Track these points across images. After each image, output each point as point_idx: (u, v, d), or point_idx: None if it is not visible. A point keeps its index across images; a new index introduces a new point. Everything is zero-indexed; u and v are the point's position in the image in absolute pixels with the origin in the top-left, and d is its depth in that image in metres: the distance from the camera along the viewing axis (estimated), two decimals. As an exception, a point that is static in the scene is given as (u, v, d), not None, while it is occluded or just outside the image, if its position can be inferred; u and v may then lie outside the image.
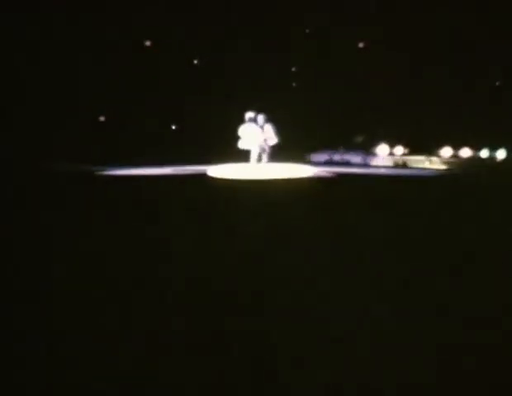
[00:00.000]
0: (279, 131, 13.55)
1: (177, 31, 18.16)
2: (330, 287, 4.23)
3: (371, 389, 2.84)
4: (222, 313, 3.74)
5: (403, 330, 3.47)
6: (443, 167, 17.98)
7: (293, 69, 20.30)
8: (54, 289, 4.24)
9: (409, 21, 18.51)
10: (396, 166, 18.76)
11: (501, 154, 18.93)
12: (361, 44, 21.25)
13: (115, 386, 2.85)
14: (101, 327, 3.53)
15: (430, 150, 19.15)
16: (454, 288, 4.24)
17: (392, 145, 20.11)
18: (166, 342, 3.32)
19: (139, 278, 4.49)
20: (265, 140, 13.42)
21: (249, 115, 13.63)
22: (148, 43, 19.47)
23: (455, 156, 19.22)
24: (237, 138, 13.54)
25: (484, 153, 19.14)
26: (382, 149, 20.04)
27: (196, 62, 19.61)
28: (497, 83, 19.55)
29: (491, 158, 18.99)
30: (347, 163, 18.51)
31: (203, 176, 12.48)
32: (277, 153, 13.62)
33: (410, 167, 18.31)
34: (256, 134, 13.43)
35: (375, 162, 19.24)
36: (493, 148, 18.94)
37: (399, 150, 20.08)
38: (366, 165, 18.60)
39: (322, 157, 19.07)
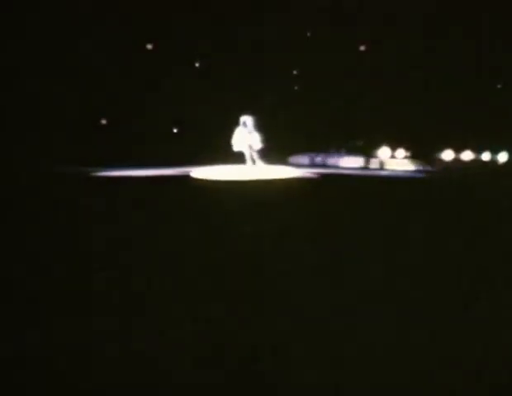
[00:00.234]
0: (266, 134, 14.28)
1: (175, 33, 18.28)
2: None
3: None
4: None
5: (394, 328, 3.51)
6: (423, 168, 18.13)
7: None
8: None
9: (410, 23, 18.59)
10: (371, 167, 19.01)
11: (503, 157, 18.93)
12: (362, 47, 21.32)
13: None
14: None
15: (432, 153, 19.18)
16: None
17: (394, 148, 20.14)
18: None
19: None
20: (251, 144, 14.32)
21: (243, 118, 14.40)
22: (149, 46, 19.55)
23: (457, 159, 19.24)
24: (231, 140, 14.25)
25: (486, 156, 19.13)
26: (384, 152, 20.06)
27: (195, 64, 19.71)
28: (498, 86, 19.59)
29: (493, 161, 18.99)
30: (324, 165, 18.91)
31: (188, 178, 12.86)
32: (265, 156, 14.24)
33: (387, 169, 18.51)
34: (245, 137, 14.24)
35: (345, 163, 19.45)
36: (495, 151, 18.94)
37: (400, 153, 20.11)
38: (336, 166, 18.95)
39: (304, 159, 19.53)
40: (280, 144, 15.66)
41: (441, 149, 19.34)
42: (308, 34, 19.48)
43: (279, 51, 18.54)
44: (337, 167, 18.58)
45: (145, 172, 14.00)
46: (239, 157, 14.27)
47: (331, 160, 19.49)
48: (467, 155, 19.25)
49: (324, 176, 14.34)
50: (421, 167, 17.96)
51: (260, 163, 14.28)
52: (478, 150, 19.14)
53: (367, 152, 19.30)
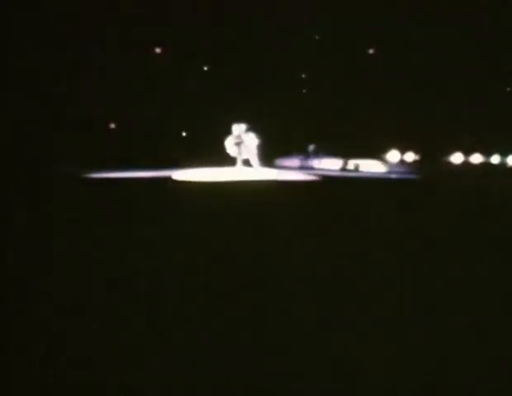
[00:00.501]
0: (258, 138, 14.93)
1: (170, 38, 18.49)
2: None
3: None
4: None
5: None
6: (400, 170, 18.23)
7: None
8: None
9: (419, 23, 18.58)
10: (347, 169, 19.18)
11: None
12: (371, 51, 21.34)
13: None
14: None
15: (442, 155, 19.17)
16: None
17: (403, 151, 20.14)
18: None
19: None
20: (245, 149, 15.01)
21: (236, 124, 15.35)
22: (158, 50, 19.72)
23: (466, 162, 19.18)
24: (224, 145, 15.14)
25: (495, 159, 19.05)
26: (393, 155, 20.07)
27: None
28: (508, 89, 19.48)
29: (503, 164, 18.89)
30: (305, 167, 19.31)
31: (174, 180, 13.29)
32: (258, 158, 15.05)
33: (361, 171, 18.65)
34: (239, 142, 15.14)
35: (323, 165, 19.68)
36: (504, 154, 18.84)
37: (410, 156, 20.12)
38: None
39: (288, 162, 19.98)
40: (267, 147, 16.20)
41: (450, 152, 19.30)
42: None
43: (272, 54, 18.80)
44: (316, 169, 19.03)
45: (145, 173, 14.32)
46: (231, 160, 15.01)
47: (311, 162, 19.98)
48: (477, 158, 19.17)
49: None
50: (396, 169, 18.19)
51: (257, 166, 15.02)
52: (487, 153, 19.06)
53: (347, 155, 19.59)
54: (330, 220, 7.38)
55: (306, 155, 20.00)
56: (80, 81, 17.49)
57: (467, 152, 19.17)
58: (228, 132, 15.54)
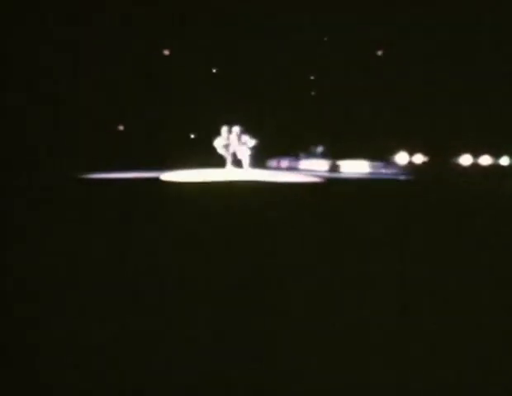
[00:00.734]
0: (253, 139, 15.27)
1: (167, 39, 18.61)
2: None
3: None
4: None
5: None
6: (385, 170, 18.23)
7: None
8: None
9: (429, 24, 18.51)
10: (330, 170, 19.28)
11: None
12: (379, 52, 21.29)
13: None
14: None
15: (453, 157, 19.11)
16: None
17: (412, 153, 20.08)
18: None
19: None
20: (240, 149, 15.34)
21: (227, 125, 15.82)
22: (167, 51, 19.81)
23: (475, 163, 19.08)
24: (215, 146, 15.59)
25: (504, 161, 18.93)
26: (401, 157, 20.03)
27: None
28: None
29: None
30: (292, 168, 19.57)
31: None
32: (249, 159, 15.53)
33: (341, 172, 18.73)
34: (233, 143, 15.21)
35: (310, 166, 19.81)
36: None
37: (419, 158, 20.06)
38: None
39: (278, 163, 20.31)
40: (259, 148, 16.44)
41: (459, 154, 19.20)
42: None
43: (268, 55, 18.89)
44: (303, 169, 19.29)
45: (136, 174, 14.53)
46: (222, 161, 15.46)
47: (299, 163, 20.18)
48: (486, 160, 19.06)
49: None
50: (381, 170, 18.22)
51: (248, 167, 15.35)
52: (497, 155, 18.94)
53: (334, 156, 19.69)
54: (322, 220, 7.43)
55: (297, 156, 20.35)
56: (74, 81, 17.61)
57: (477, 153, 19.07)
58: (219, 133, 15.81)
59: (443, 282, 4.65)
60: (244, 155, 15.87)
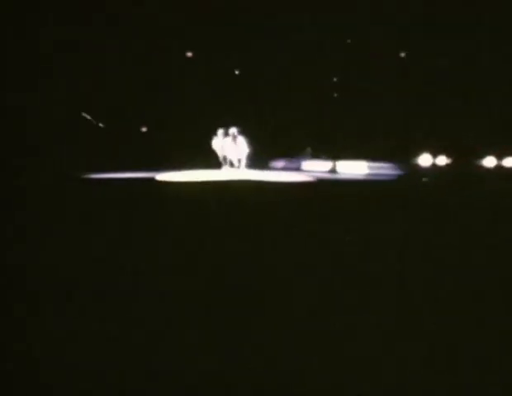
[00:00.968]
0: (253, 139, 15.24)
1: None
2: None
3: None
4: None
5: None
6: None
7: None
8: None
9: (447, 24, 18.32)
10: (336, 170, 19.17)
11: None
12: (402, 54, 21.12)
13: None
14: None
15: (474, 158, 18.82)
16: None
17: (435, 154, 19.86)
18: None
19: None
20: (236, 150, 15.51)
21: (224, 126, 15.98)
22: (189, 54, 19.98)
23: (499, 166, 18.75)
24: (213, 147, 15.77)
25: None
26: (424, 159, 19.85)
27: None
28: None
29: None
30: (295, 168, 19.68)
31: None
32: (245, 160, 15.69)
33: (339, 172, 18.58)
34: (229, 144, 15.90)
35: (312, 167, 19.71)
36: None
37: (442, 160, 19.84)
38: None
39: (280, 163, 20.49)
40: (256, 149, 16.51)
41: (483, 156, 18.90)
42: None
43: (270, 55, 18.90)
44: (303, 169, 19.43)
45: (131, 174, 14.78)
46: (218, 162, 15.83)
47: (299, 164, 20.21)
48: (510, 162, 18.72)
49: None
50: (383, 170, 18.04)
51: (244, 167, 15.50)
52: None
53: (336, 156, 19.60)
54: (319, 219, 7.46)
55: (296, 157, 20.39)
56: (74, 81, 17.83)
57: (501, 155, 18.75)
58: (215, 134, 15.93)
59: (443, 282, 4.68)
60: (241, 156, 16.00)
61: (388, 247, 5.87)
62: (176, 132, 18.30)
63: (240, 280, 4.74)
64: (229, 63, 19.15)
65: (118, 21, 18.07)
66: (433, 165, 19.61)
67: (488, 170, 18.39)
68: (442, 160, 19.59)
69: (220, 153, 16.02)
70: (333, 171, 19.18)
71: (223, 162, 15.99)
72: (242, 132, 15.98)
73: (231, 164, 16.00)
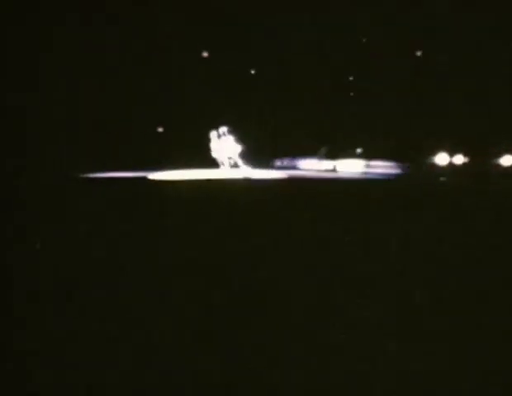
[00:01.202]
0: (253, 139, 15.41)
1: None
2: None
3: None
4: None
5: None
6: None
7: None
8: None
9: (466, 23, 18.11)
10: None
11: None
12: (419, 53, 20.96)
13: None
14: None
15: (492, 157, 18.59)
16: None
17: (452, 154, 19.70)
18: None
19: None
20: (229, 150, 15.62)
21: (222, 126, 15.72)
22: (205, 54, 20.07)
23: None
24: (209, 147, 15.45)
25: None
26: (442, 158, 19.71)
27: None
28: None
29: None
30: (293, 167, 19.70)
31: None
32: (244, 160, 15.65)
33: (338, 171, 18.50)
34: (223, 144, 15.63)
35: (311, 166, 19.77)
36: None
37: (459, 159, 19.67)
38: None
39: (280, 162, 20.42)
40: (256, 148, 16.60)
41: (501, 154, 18.68)
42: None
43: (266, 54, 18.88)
44: (303, 170, 19.29)
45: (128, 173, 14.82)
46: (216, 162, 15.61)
47: (299, 164, 20.20)
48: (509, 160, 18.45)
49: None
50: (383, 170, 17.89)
51: (242, 167, 15.52)
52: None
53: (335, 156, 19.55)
54: (322, 220, 7.44)
55: (297, 156, 20.43)
56: (73, 81, 17.99)
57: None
58: (213, 134, 16.00)
59: (444, 282, 4.65)
60: (240, 155, 16.08)
61: (393, 248, 5.85)
62: (176, 132, 18.41)
63: (240, 280, 4.76)
64: (229, 63, 19.20)
65: (118, 21, 18.23)
66: (450, 164, 19.46)
67: (506, 169, 18.17)
68: (459, 159, 19.41)
69: (220, 153, 16.12)
70: (333, 170, 19.14)
71: (223, 162, 16.10)
72: (241, 131, 16.06)
73: (230, 164, 16.13)
